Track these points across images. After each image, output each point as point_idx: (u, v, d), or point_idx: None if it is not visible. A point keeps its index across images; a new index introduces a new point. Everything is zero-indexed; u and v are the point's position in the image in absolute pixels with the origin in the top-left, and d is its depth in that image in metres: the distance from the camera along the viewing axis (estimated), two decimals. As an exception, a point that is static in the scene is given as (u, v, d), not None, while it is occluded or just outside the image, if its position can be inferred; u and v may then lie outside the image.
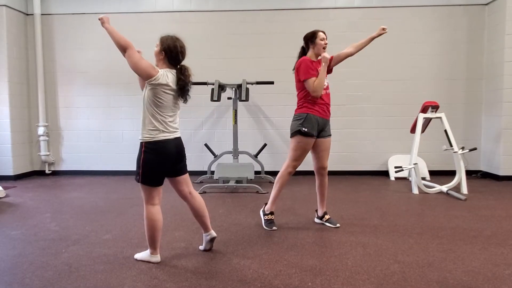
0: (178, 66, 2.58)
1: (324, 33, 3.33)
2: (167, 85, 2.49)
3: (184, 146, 2.72)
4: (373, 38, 3.41)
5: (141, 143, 2.54)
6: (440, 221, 3.59)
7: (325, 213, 3.52)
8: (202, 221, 2.78)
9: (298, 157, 3.33)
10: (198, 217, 2.77)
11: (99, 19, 2.53)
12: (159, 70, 2.49)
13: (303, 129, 3.22)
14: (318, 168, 3.41)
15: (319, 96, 3.23)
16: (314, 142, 3.33)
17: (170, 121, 2.56)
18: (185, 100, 2.60)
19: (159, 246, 2.65)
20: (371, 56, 6.10)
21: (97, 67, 6.30)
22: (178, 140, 2.62)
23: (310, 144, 3.29)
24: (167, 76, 2.50)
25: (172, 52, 2.53)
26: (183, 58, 2.59)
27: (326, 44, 3.31)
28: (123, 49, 2.46)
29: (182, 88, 2.53)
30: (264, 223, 3.44)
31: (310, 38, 3.33)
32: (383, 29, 3.37)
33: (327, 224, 3.47)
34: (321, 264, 2.58)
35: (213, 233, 2.81)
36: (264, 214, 3.48)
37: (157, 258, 2.64)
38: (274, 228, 3.37)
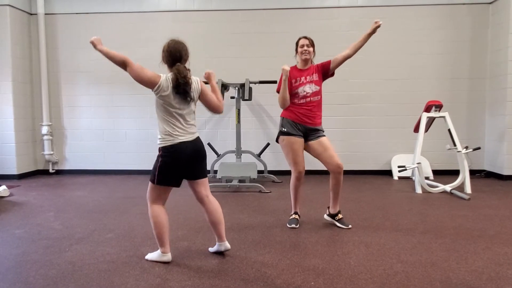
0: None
1: (306, 38, 3.35)
2: (169, 88, 2.48)
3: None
4: (369, 35, 3.26)
5: (159, 148, 2.55)
6: (444, 221, 3.58)
7: (338, 212, 3.46)
8: (216, 229, 2.70)
9: (294, 160, 3.34)
10: (213, 224, 2.69)
11: (90, 42, 2.53)
12: (161, 75, 2.50)
13: (283, 129, 3.36)
14: (332, 168, 3.29)
15: (283, 108, 3.37)
16: (309, 147, 3.36)
17: (183, 124, 2.54)
18: (189, 100, 2.54)
19: (168, 243, 2.63)
20: (374, 55, 6.09)
21: (100, 67, 6.32)
22: (196, 142, 2.60)
23: (297, 143, 3.31)
24: (168, 80, 2.49)
25: (165, 54, 2.54)
26: (174, 58, 2.52)
27: (305, 50, 3.31)
28: (123, 65, 2.48)
29: (176, 88, 2.47)
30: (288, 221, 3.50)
31: (296, 47, 3.41)
32: (376, 22, 3.22)
33: (338, 224, 3.41)
34: (323, 263, 2.58)
35: (227, 244, 2.72)
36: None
37: (167, 256, 2.62)
38: (293, 225, 3.38)
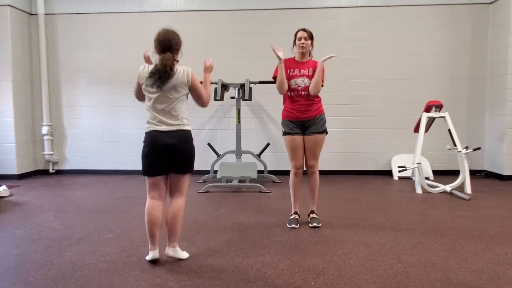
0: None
1: (304, 30, 3.36)
2: (146, 75, 2.55)
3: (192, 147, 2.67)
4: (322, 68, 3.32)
5: None
6: (444, 221, 3.58)
7: (311, 212, 3.53)
8: (168, 233, 2.62)
9: (291, 156, 3.43)
10: (167, 227, 2.61)
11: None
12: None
13: (282, 129, 3.47)
14: (306, 167, 3.48)
15: (281, 92, 3.39)
16: (305, 140, 3.43)
17: (162, 114, 2.55)
18: (158, 87, 2.50)
19: (156, 242, 2.60)
20: (374, 55, 6.09)
21: (100, 67, 6.31)
22: (175, 133, 2.56)
23: (295, 141, 3.38)
24: (147, 68, 2.55)
25: (155, 44, 2.57)
26: (163, 47, 2.52)
27: (302, 43, 3.33)
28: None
29: (151, 74, 2.50)
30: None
31: (294, 38, 3.44)
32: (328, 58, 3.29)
33: (309, 221, 3.46)
34: (324, 263, 2.58)
35: (170, 251, 2.60)
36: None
37: (153, 254, 2.56)
38: (293, 226, 3.38)
